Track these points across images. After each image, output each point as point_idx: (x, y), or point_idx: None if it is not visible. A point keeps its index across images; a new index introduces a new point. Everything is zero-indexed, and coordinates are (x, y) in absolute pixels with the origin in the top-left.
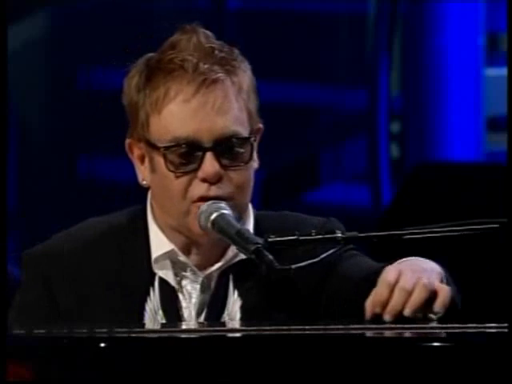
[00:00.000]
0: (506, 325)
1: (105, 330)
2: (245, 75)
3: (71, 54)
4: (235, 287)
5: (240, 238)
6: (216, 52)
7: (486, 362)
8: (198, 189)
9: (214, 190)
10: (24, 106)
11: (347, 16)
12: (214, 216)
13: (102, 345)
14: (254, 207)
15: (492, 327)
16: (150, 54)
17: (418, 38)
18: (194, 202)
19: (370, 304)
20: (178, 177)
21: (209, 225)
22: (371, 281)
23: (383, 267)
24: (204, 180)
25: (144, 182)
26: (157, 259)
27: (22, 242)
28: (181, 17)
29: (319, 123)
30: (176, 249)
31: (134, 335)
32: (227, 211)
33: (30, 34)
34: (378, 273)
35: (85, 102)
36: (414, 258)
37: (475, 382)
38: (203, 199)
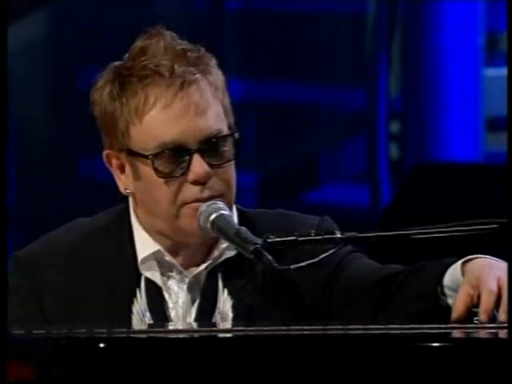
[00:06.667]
0: (505, 325)
1: (104, 330)
2: (218, 73)
3: (71, 53)
4: (225, 286)
5: (239, 238)
6: (188, 53)
7: (486, 362)
8: (190, 192)
9: (206, 191)
10: (24, 105)
11: (347, 16)
12: (213, 216)
13: (102, 345)
14: (253, 207)
15: (492, 327)
16: (117, 62)
17: (418, 38)
18: (186, 204)
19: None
20: (167, 182)
21: (208, 225)
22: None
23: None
24: (195, 182)
25: (127, 191)
26: (143, 260)
27: (22, 242)
28: (181, 17)
29: (319, 123)
30: (162, 249)
31: (133, 335)
32: (226, 212)
33: (30, 34)
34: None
35: (85, 102)
36: (488, 257)
37: (475, 382)
38: (197, 201)
